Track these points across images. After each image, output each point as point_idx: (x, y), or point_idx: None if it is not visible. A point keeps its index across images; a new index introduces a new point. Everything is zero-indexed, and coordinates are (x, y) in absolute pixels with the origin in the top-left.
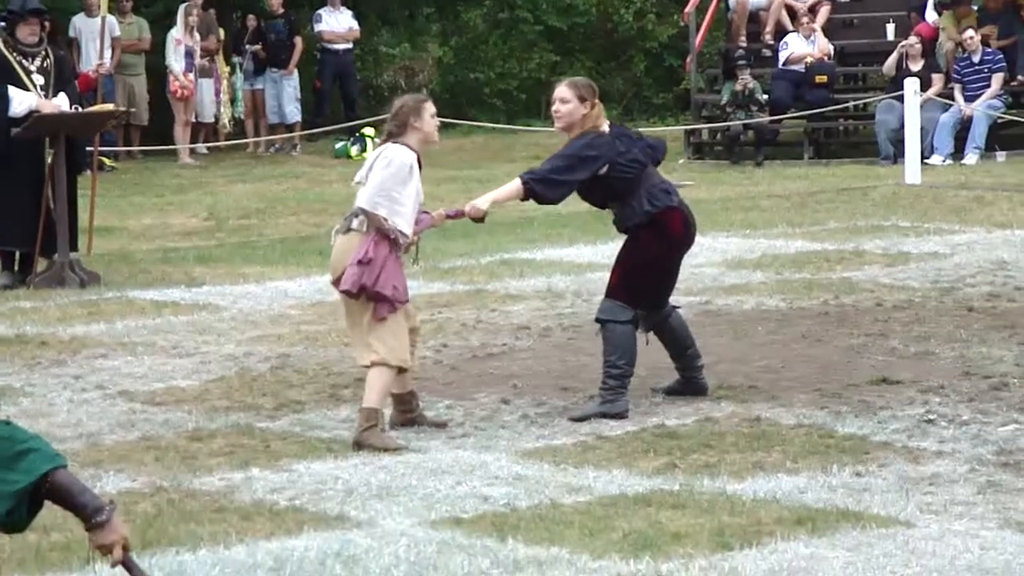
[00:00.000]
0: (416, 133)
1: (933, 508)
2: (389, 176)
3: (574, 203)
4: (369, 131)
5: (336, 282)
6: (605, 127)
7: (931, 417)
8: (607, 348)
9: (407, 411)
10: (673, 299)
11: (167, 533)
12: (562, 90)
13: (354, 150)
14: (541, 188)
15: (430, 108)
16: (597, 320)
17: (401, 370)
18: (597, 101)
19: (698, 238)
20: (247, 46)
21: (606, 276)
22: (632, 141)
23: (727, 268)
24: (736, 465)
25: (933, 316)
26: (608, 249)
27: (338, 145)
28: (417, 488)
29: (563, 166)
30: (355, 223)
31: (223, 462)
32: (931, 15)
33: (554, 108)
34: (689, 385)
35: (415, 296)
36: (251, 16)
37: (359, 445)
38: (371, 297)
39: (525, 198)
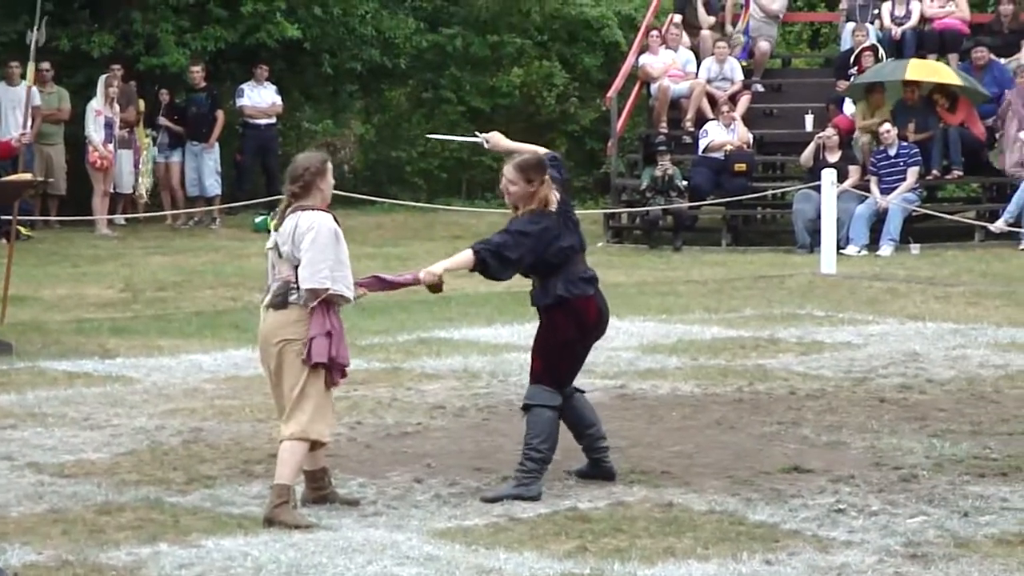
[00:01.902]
0: (319, 194)
1: None
2: (321, 249)
3: (492, 283)
4: None
5: (265, 358)
6: (554, 204)
7: (841, 507)
8: (531, 432)
9: (318, 488)
10: (588, 382)
11: None
12: (509, 171)
13: (274, 224)
14: (494, 262)
15: (330, 167)
16: (524, 407)
17: (314, 446)
18: (545, 178)
19: (615, 322)
20: (160, 119)
21: (523, 357)
22: (574, 224)
23: (643, 352)
24: (647, 550)
25: (845, 406)
26: (525, 330)
27: (258, 219)
28: (327, 566)
29: (512, 243)
30: (293, 297)
31: (131, 536)
32: (849, 107)
33: (503, 186)
34: (597, 468)
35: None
36: (163, 91)
37: (270, 521)
38: (336, 368)
39: (474, 268)
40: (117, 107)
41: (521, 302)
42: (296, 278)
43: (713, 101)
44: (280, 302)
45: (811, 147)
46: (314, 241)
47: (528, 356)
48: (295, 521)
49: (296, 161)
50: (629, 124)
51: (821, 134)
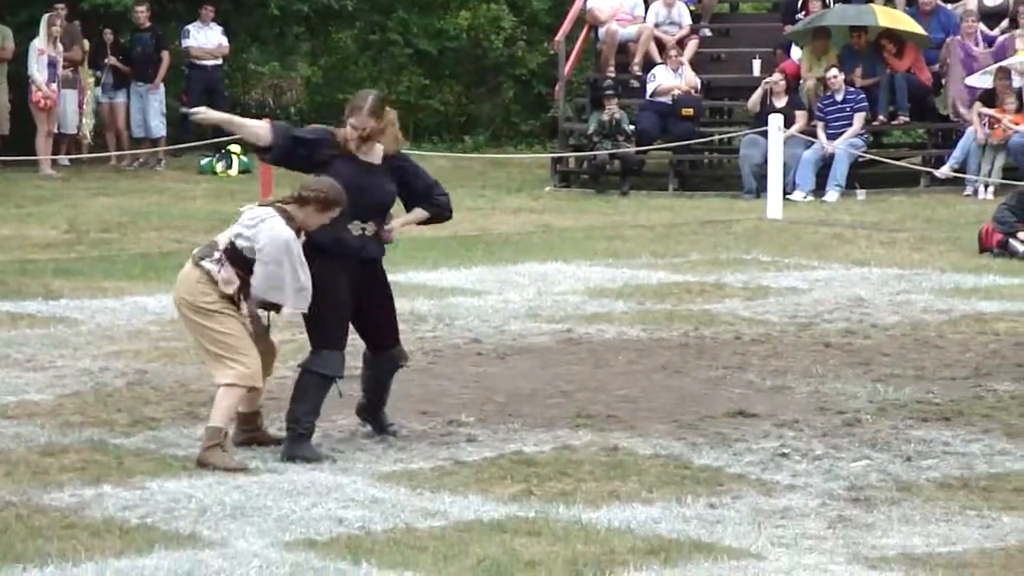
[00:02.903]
0: (303, 219)
1: (784, 541)
2: (276, 259)
3: (439, 228)
4: (235, 147)
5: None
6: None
7: (785, 451)
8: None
9: (250, 430)
10: (535, 326)
11: (14, 549)
12: (363, 119)
13: (219, 166)
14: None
15: (334, 213)
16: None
17: (252, 389)
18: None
19: (561, 266)
20: (105, 60)
21: (469, 301)
22: None
23: (589, 296)
24: (592, 494)
25: (790, 351)
26: (472, 274)
27: (203, 161)
28: (272, 509)
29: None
30: (206, 261)
31: (75, 478)
32: (796, 53)
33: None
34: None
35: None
36: (108, 30)
37: (202, 463)
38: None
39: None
40: (61, 47)
41: (468, 246)
42: (224, 254)
43: (661, 45)
44: (196, 260)
45: (758, 93)
46: (284, 254)
47: (473, 300)
48: (225, 464)
49: (324, 179)
50: (577, 68)
51: (768, 80)
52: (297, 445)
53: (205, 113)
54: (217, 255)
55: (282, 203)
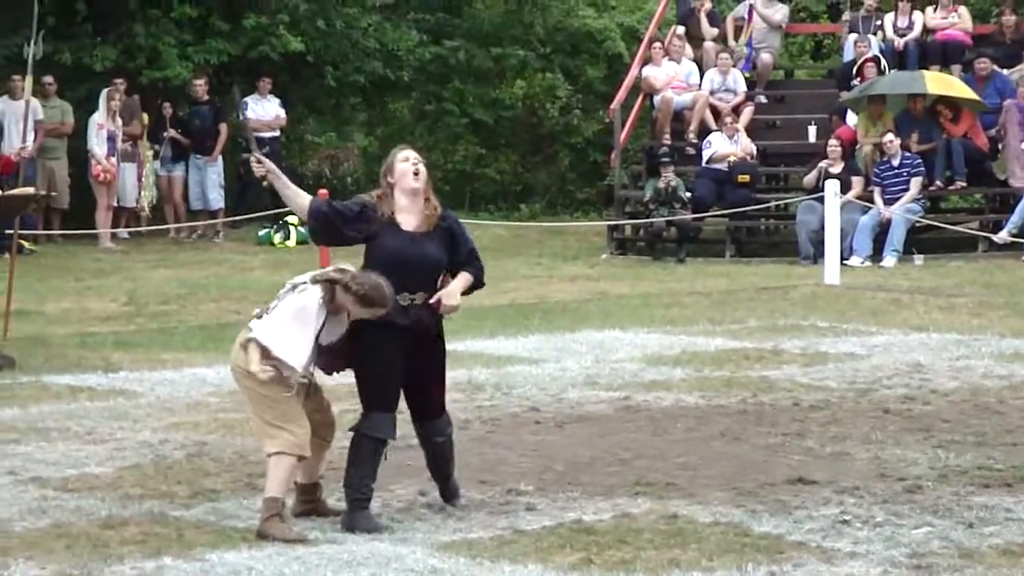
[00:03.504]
0: (337, 303)
1: None
2: (290, 322)
3: (496, 296)
4: (293, 219)
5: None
6: None
7: (846, 518)
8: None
9: (308, 501)
10: (593, 394)
11: None
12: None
13: (277, 237)
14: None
15: (366, 313)
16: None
17: (301, 458)
18: None
19: (619, 333)
20: (164, 133)
21: (527, 369)
22: None
23: (647, 364)
24: (652, 562)
25: (849, 417)
26: (529, 342)
27: (261, 232)
28: None
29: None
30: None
31: (135, 550)
32: (852, 118)
33: (417, 167)
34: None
35: (338, 385)
36: (167, 104)
37: (261, 535)
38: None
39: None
40: (120, 120)
41: (525, 314)
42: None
43: (716, 112)
44: (244, 339)
45: (814, 174)
46: (300, 320)
47: (531, 368)
48: (284, 535)
49: (367, 277)
50: (632, 136)
51: (823, 163)
52: (355, 515)
53: (265, 163)
54: (266, 320)
55: (332, 281)
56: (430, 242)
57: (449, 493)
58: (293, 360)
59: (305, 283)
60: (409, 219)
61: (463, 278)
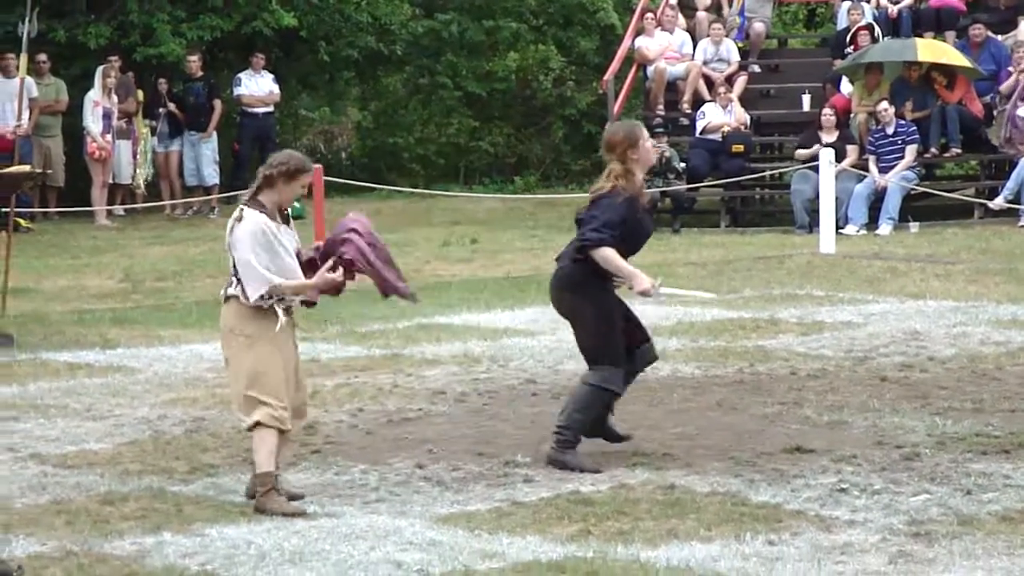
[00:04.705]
0: (276, 196)
1: None
2: (249, 246)
3: (492, 268)
4: None
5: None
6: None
7: (844, 486)
8: None
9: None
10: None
11: None
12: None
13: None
14: None
15: (305, 179)
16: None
17: (283, 431)
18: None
19: None
20: (160, 109)
21: (523, 342)
22: None
23: None
24: (650, 532)
25: (846, 385)
26: (525, 315)
27: None
28: (330, 553)
29: None
30: (230, 290)
31: (135, 526)
32: (846, 87)
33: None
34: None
35: (331, 360)
36: (162, 80)
37: (259, 510)
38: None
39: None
40: (115, 98)
41: (520, 286)
42: (235, 271)
43: (710, 83)
44: (224, 295)
45: (808, 152)
46: (252, 241)
47: (527, 341)
48: (283, 508)
49: (280, 151)
50: (626, 107)
51: (817, 146)
52: (563, 451)
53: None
54: (232, 279)
55: (252, 195)
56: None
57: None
58: (272, 279)
59: (240, 211)
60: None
61: None
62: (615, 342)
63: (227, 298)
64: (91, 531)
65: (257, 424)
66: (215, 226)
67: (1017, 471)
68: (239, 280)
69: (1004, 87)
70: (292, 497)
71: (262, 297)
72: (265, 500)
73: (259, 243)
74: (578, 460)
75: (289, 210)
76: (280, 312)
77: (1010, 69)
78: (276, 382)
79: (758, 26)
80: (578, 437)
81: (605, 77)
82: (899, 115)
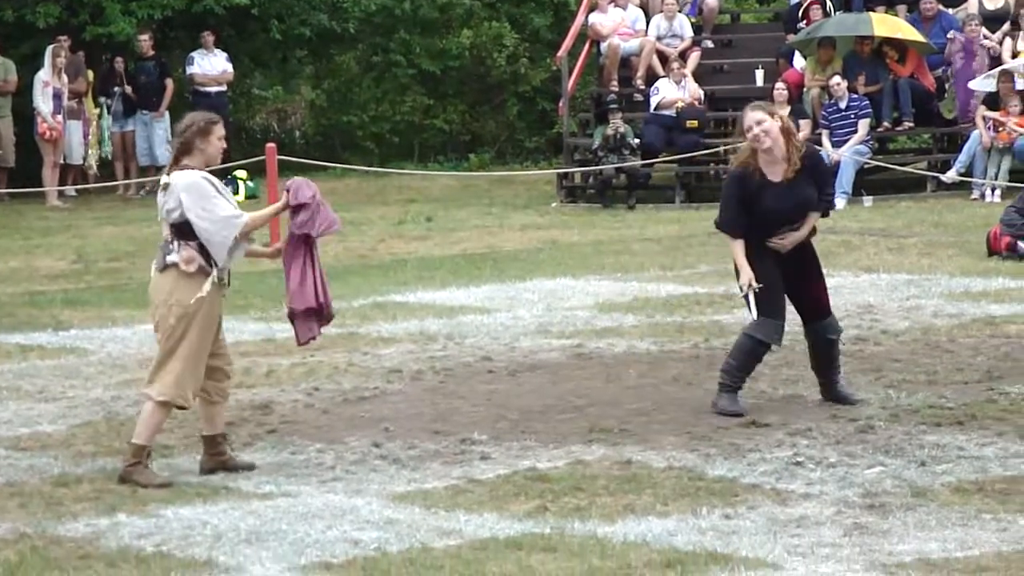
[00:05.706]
0: (200, 155)
1: (800, 550)
2: (209, 198)
3: (447, 246)
4: (241, 173)
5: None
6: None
7: (799, 460)
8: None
9: (216, 454)
10: (545, 342)
11: None
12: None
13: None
14: None
15: (219, 131)
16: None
17: (180, 407)
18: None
19: (570, 281)
20: (115, 88)
21: (478, 319)
22: None
23: (599, 311)
24: (607, 508)
25: (801, 359)
26: (480, 292)
27: None
28: (287, 533)
29: None
30: (170, 258)
31: (89, 507)
32: (799, 62)
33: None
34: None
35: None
36: (119, 59)
37: (123, 481)
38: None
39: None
40: (65, 78)
41: (476, 264)
42: (172, 239)
43: (663, 58)
44: (161, 265)
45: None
46: (199, 195)
47: (483, 318)
48: (148, 480)
49: (182, 119)
50: (580, 83)
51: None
52: (722, 395)
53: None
54: (168, 246)
55: (174, 165)
56: (790, 187)
57: (835, 394)
58: (243, 215)
59: (167, 178)
60: (775, 171)
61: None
62: (767, 295)
63: (165, 267)
64: (45, 513)
65: (163, 403)
66: None
67: (970, 442)
68: (186, 244)
69: (947, 53)
70: (243, 467)
71: (236, 241)
72: (132, 471)
73: (207, 192)
74: (723, 404)
75: (244, 186)
76: (214, 275)
77: (952, 35)
78: (201, 369)
79: (711, 1)
80: (734, 382)
81: (559, 54)
82: (851, 89)
